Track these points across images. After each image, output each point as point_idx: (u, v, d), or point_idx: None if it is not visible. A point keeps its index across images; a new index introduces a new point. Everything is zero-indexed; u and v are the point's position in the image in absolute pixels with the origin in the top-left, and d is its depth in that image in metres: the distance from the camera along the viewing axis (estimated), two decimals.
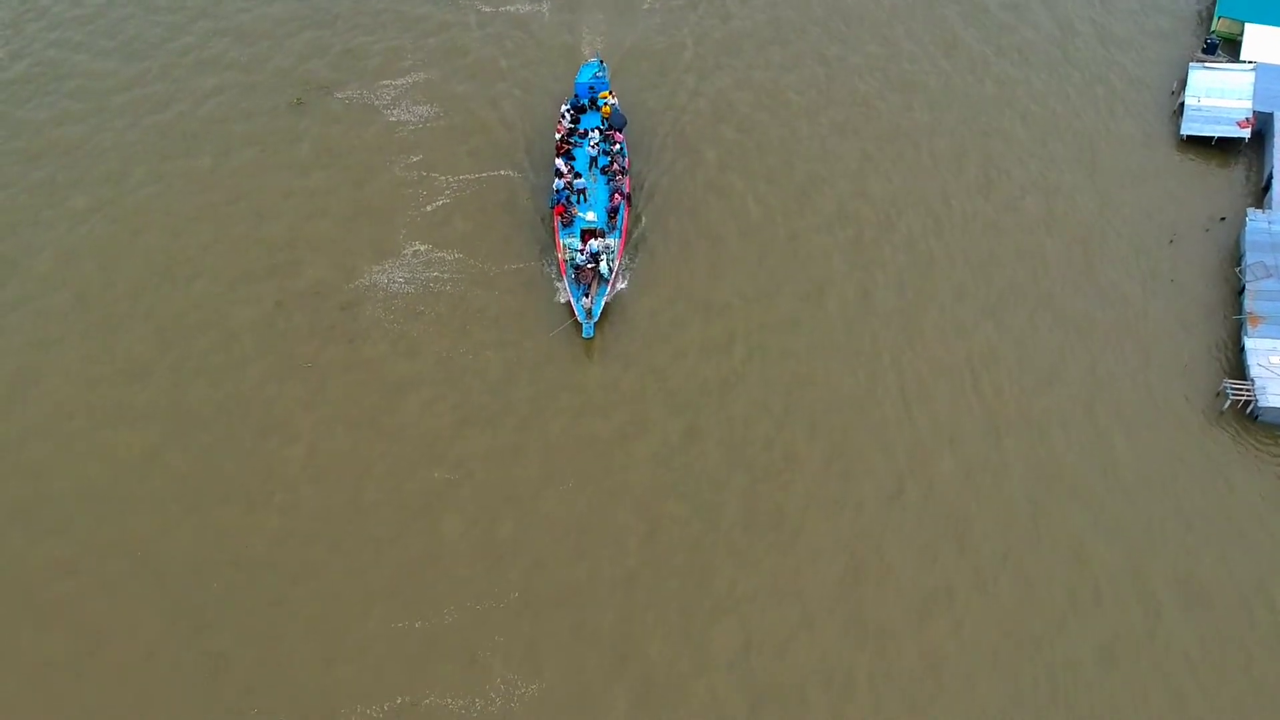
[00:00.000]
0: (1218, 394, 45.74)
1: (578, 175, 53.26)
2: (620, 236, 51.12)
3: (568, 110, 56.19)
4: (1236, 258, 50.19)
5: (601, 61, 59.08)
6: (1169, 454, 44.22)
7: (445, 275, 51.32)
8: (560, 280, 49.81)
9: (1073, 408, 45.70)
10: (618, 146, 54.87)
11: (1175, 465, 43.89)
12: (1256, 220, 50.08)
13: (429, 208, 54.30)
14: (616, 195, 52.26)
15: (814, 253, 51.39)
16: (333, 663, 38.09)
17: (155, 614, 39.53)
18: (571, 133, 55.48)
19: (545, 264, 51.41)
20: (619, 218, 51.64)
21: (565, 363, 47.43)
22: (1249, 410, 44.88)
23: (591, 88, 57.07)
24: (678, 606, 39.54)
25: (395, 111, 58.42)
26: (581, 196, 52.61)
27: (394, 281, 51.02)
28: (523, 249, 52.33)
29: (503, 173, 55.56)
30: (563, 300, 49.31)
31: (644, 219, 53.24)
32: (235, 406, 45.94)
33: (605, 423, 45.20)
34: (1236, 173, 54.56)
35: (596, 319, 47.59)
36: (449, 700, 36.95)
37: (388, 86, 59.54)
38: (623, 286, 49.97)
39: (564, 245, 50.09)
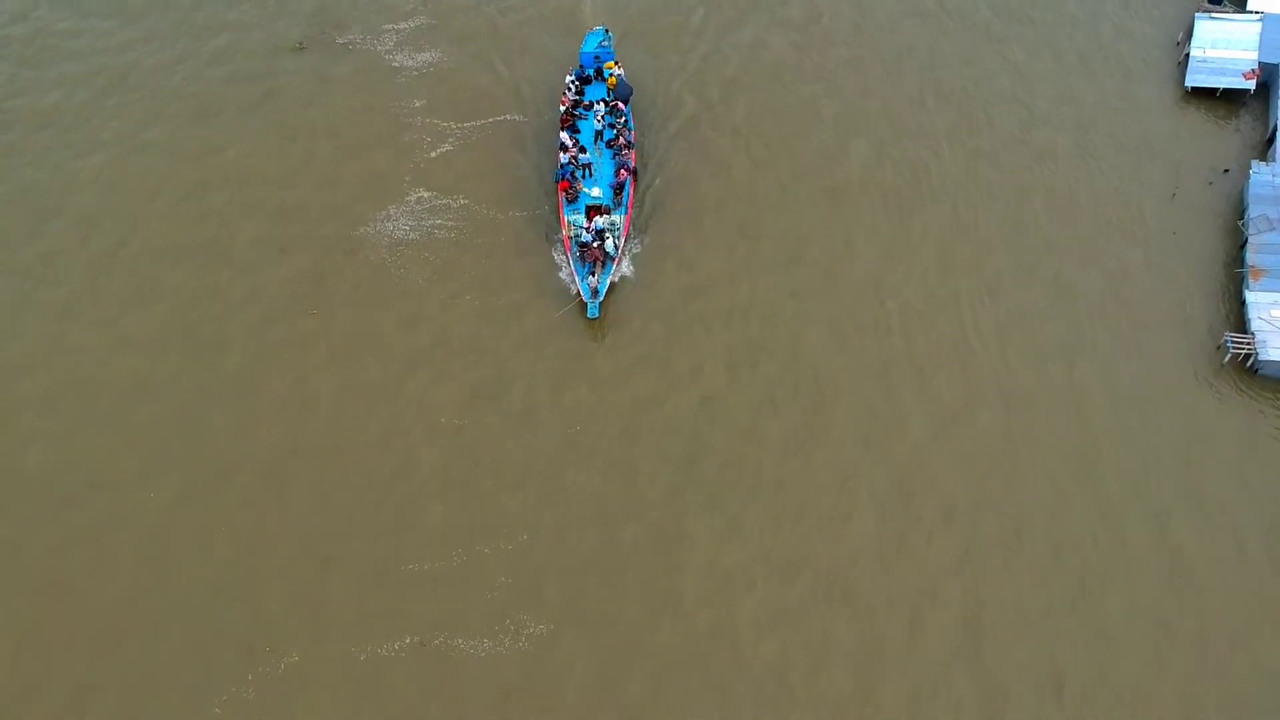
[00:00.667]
0: (1218, 347, 45.88)
1: (582, 149, 52.08)
2: (625, 213, 50.01)
3: (572, 81, 54.77)
4: (1239, 211, 50.19)
5: (607, 30, 57.28)
6: (1168, 407, 44.38)
7: (449, 222, 51.26)
8: (564, 256, 48.87)
9: (1072, 361, 45.81)
10: (623, 119, 53.57)
11: (1174, 418, 44.04)
12: (1260, 173, 50.05)
13: (433, 154, 54.13)
14: (622, 170, 51.14)
15: (827, 224, 50.67)
16: (343, 604, 38.57)
17: (162, 558, 40.01)
18: (576, 104, 54.07)
19: (548, 210, 51.34)
20: (624, 193, 50.54)
21: (572, 327, 47.45)
22: (1249, 364, 45.07)
23: (597, 57, 55.55)
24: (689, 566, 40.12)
25: (398, 57, 58.07)
26: (586, 171, 51.50)
27: (398, 228, 50.96)
28: (526, 195, 52.20)
29: (507, 118, 55.35)
30: (565, 275, 48.52)
31: (650, 194, 52.13)
32: (240, 355, 46.01)
33: (611, 365, 45.56)
34: (1241, 125, 54.42)
35: (602, 298, 46.70)
36: (459, 640, 37.52)
37: (390, 32, 59.09)
38: (628, 270, 48.80)
39: (569, 222, 49.00)
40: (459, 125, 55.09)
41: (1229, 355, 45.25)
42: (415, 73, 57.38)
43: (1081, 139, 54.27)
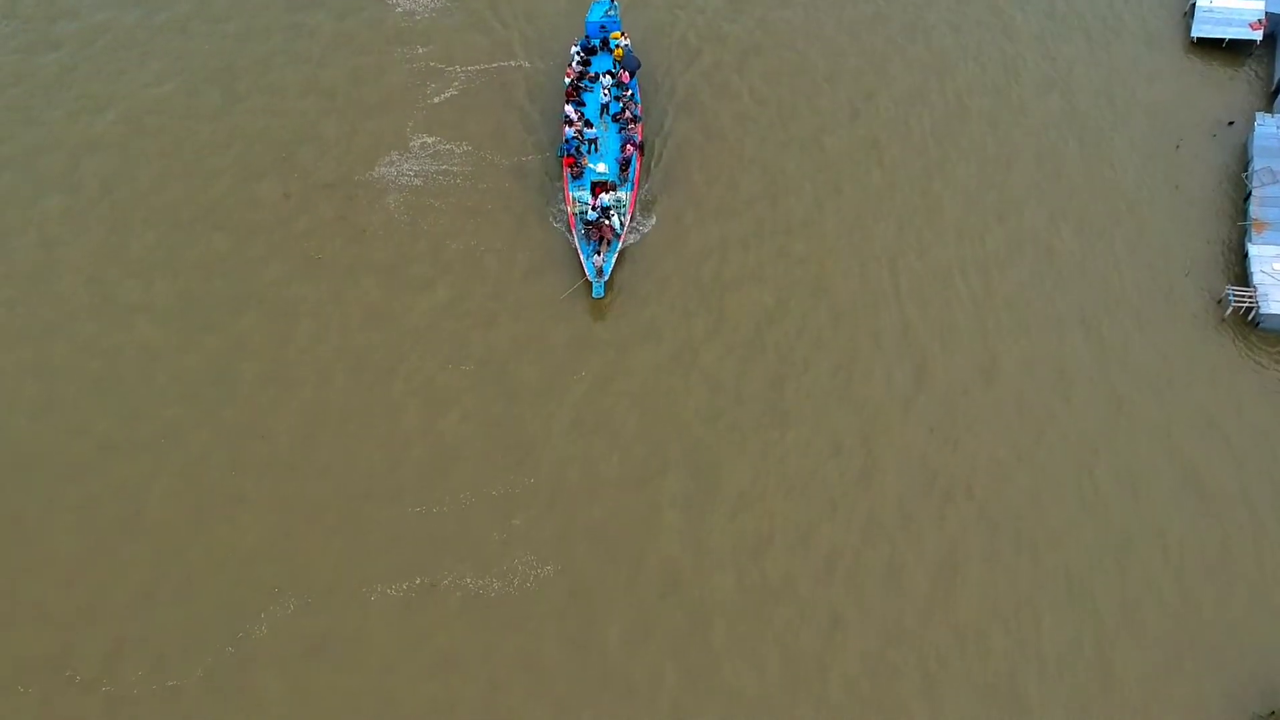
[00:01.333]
0: (1219, 300, 46.10)
1: (588, 124, 50.74)
2: (632, 189, 48.76)
3: (578, 52, 53.19)
4: (1244, 163, 50.22)
5: (613, 1, 55.19)
6: (1168, 359, 44.66)
7: (454, 168, 51.17)
8: (569, 234, 47.77)
9: (1072, 312, 45.98)
10: (630, 92, 52.07)
11: (1174, 370, 44.33)
12: (1265, 125, 49.99)
13: (437, 100, 53.86)
14: (628, 145, 49.64)
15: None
16: (353, 545, 39.06)
17: (176, 508, 40.39)
18: (582, 76, 52.56)
19: (552, 157, 51.18)
20: (630, 169, 49.23)
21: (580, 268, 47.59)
22: (1250, 317, 45.31)
23: (603, 27, 53.95)
24: (696, 500, 40.57)
25: (403, 3, 57.49)
26: (592, 146, 50.22)
27: (403, 174, 50.86)
28: (531, 141, 52.03)
29: (512, 64, 54.98)
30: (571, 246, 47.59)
31: (656, 169, 50.98)
32: (245, 298, 46.15)
33: (618, 326, 45.75)
34: (1246, 76, 54.24)
35: (607, 277, 45.79)
36: (467, 580, 38.10)
37: None
38: (634, 240, 47.91)
39: (574, 199, 47.57)
40: (463, 69, 54.73)
41: (1230, 308, 45.44)
42: (420, 19, 56.78)
43: (1085, 90, 54.06)
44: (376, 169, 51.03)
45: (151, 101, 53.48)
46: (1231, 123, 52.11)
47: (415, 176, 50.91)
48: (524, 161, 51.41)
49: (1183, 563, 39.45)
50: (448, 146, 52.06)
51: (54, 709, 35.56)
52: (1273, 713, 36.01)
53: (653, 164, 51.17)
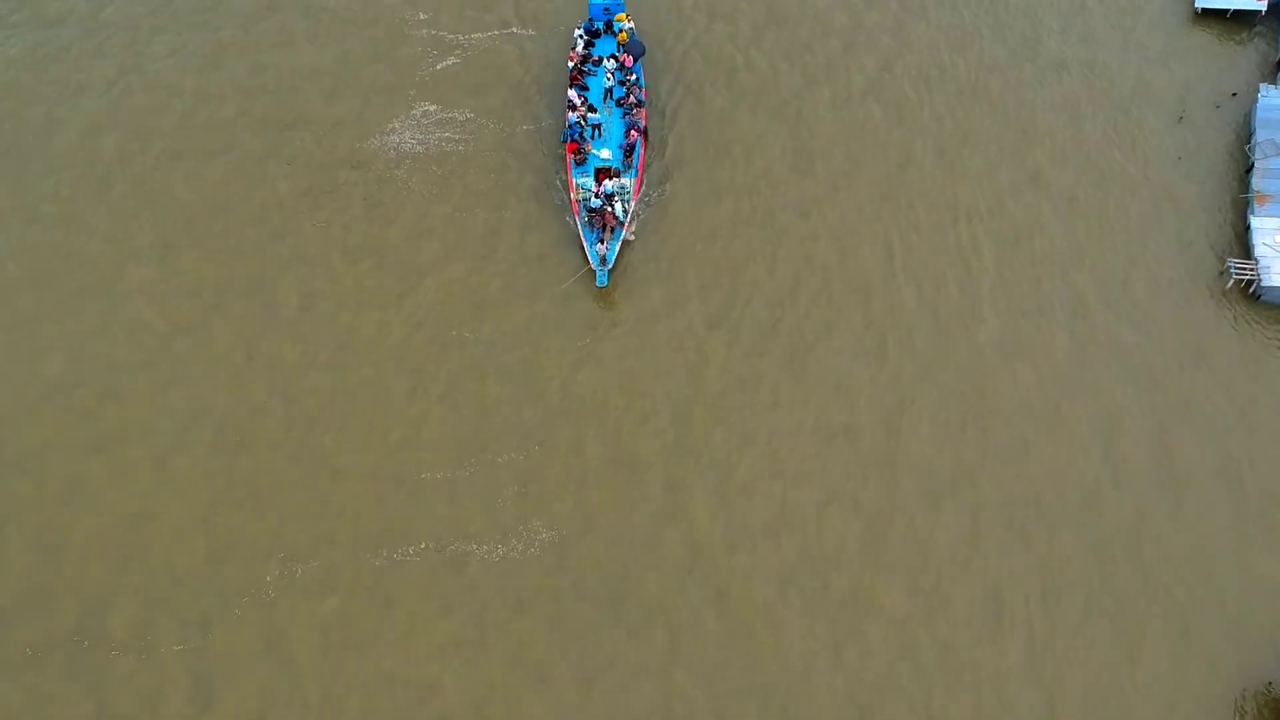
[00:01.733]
0: (1221, 273, 46.02)
1: (592, 109, 50.10)
2: (636, 175, 48.17)
3: (581, 36, 52.51)
4: (1246, 135, 50.12)
5: None
6: (1169, 332, 44.57)
7: (456, 136, 51.06)
8: (573, 220, 47.16)
9: (1070, 284, 45.91)
10: (634, 76, 51.34)
11: (1174, 343, 44.25)
12: (1269, 96, 49.84)
13: (439, 67, 53.69)
14: (632, 131, 48.89)
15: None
16: (358, 513, 39.27)
17: (176, 468, 40.69)
18: (585, 59, 51.93)
19: (553, 125, 51.16)
20: (635, 155, 48.68)
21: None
22: (1252, 290, 45.27)
23: (606, 9, 53.26)
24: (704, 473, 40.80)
25: None
26: (595, 132, 49.69)
27: (405, 142, 50.75)
28: (534, 109, 51.92)
29: (513, 31, 54.75)
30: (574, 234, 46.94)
31: (661, 155, 50.31)
32: (249, 268, 46.24)
33: (623, 301, 45.77)
34: (1251, 47, 54.01)
35: (610, 266, 45.20)
36: (473, 546, 38.32)
37: None
38: (634, 230, 47.27)
39: (577, 185, 47.02)
40: (465, 38, 54.54)
41: (1231, 281, 45.36)
42: None
43: (1088, 59, 53.90)
44: (378, 137, 50.91)
45: (147, 57, 53.48)
46: (1235, 94, 51.97)
47: (418, 144, 50.79)
48: (526, 129, 51.29)
49: (1176, 537, 39.40)
50: (450, 114, 51.93)
51: (64, 674, 35.85)
52: (1269, 683, 36.24)
53: (666, 134, 50.73)
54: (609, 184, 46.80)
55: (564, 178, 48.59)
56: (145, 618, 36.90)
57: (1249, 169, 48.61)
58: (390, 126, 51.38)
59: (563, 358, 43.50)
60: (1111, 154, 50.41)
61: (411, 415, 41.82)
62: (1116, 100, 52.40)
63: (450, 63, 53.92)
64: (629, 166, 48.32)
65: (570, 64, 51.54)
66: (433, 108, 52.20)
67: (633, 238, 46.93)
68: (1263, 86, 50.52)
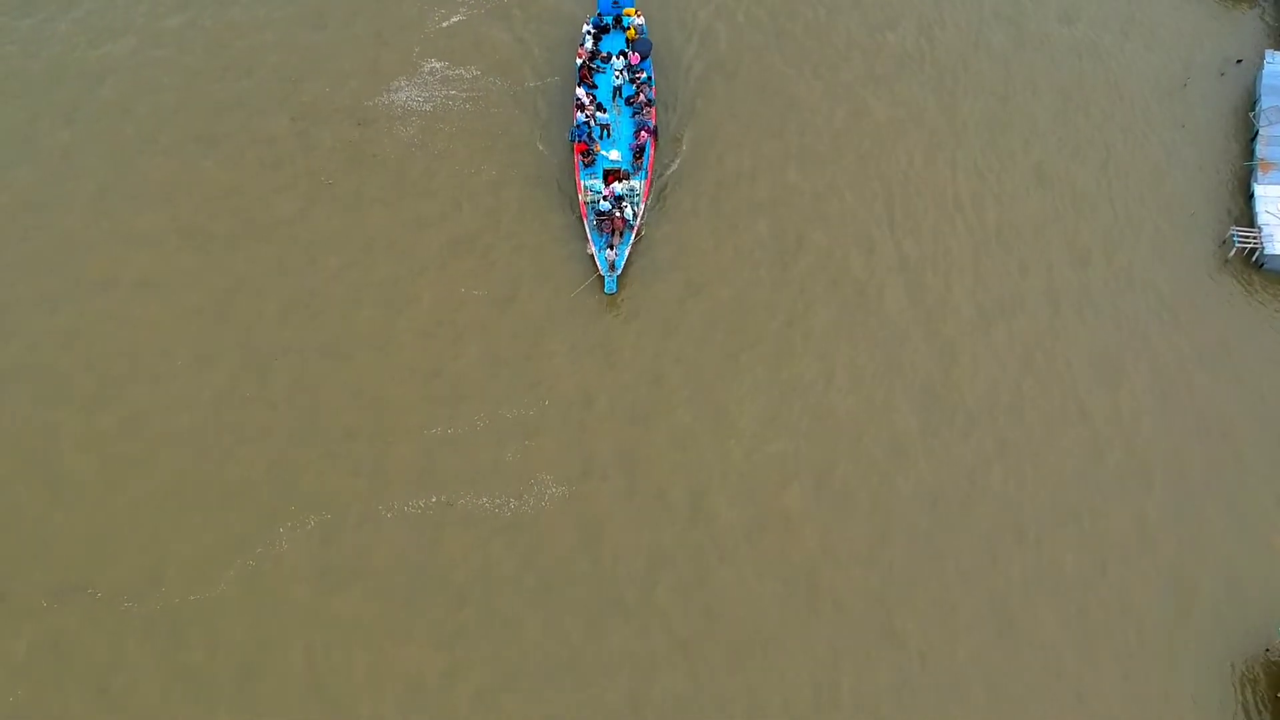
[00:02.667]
0: (1224, 241, 46.07)
1: (600, 108, 48.38)
2: (645, 177, 46.53)
3: (589, 32, 50.79)
4: (1251, 102, 50.16)
5: None
6: (1170, 300, 44.55)
7: (463, 93, 50.93)
8: (581, 222, 45.66)
9: (1071, 250, 45.92)
10: (644, 74, 49.57)
11: (1175, 311, 44.19)
12: (1274, 63, 49.84)
13: (444, 24, 53.45)
14: (642, 132, 47.27)
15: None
16: (368, 468, 39.54)
17: (189, 427, 40.89)
18: (594, 56, 50.18)
19: (557, 82, 51.05)
20: (644, 156, 46.95)
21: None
22: (1254, 258, 45.33)
23: (616, 3, 51.66)
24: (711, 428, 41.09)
25: None
26: (604, 132, 48.04)
27: (411, 99, 50.59)
28: (542, 65, 51.80)
29: None
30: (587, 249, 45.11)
31: (670, 156, 48.68)
32: (256, 223, 46.31)
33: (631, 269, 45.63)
34: (1256, 12, 53.93)
35: (620, 271, 43.84)
36: (483, 499, 38.63)
37: None
38: (644, 232, 45.77)
39: (585, 188, 45.58)
40: None
41: (1234, 249, 45.41)
42: None
43: (1090, 25, 53.77)
44: (385, 94, 50.74)
45: (162, 31, 53.17)
46: (1240, 60, 51.99)
47: (424, 102, 50.66)
48: (531, 87, 51.18)
49: (1181, 502, 39.66)
50: (456, 72, 51.77)
51: (75, 625, 36.17)
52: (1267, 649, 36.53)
53: (677, 132, 49.43)
54: (618, 186, 45.58)
55: (571, 180, 47.37)
56: (157, 568, 37.22)
57: (1253, 136, 48.66)
58: (396, 83, 51.20)
59: (567, 316, 43.64)
60: (1114, 121, 50.42)
61: (412, 373, 41.98)
62: (1119, 66, 52.31)
63: (456, 20, 53.65)
64: (639, 168, 46.79)
65: (579, 60, 49.88)
66: (439, 64, 52.01)
67: (642, 239, 45.71)
68: (1268, 53, 50.57)
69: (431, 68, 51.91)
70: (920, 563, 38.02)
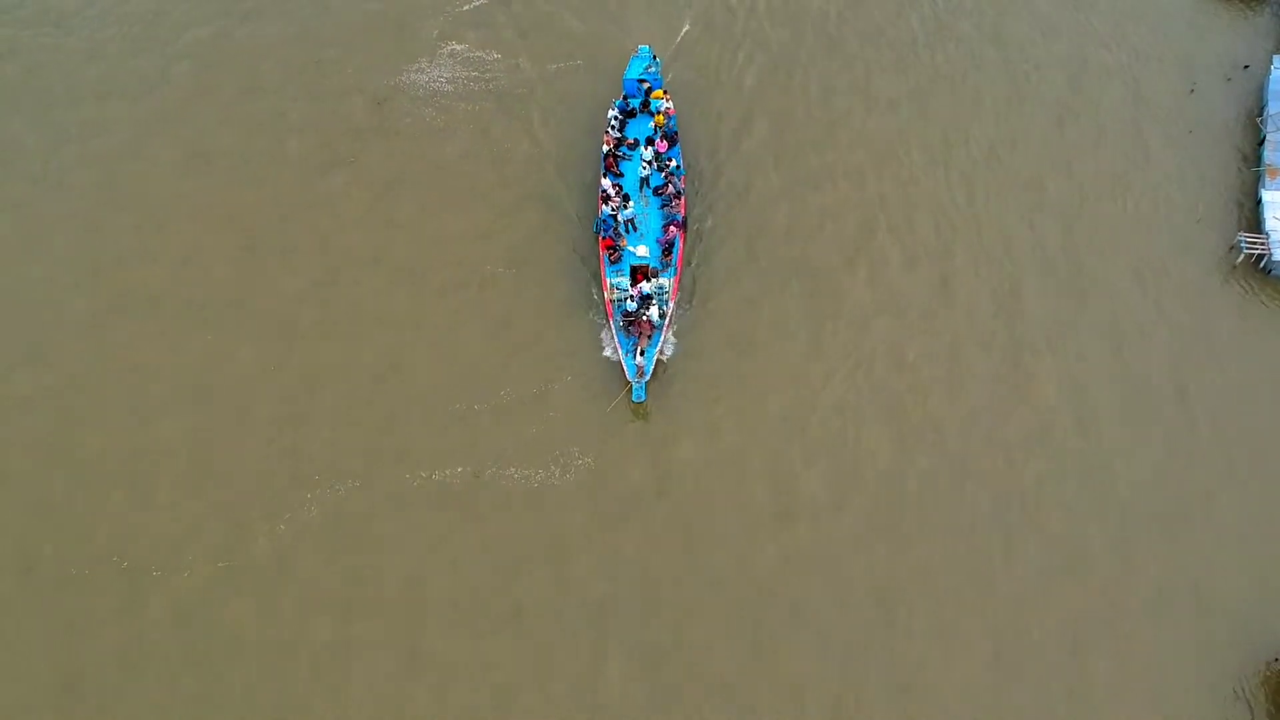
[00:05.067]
0: (1231, 248, 46.03)
1: (627, 199, 45.28)
2: (674, 274, 43.55)
3: (615, 116, 47.84)
4: (1259, 107, 50.58)
5: (655, 55, 50.35)
6: (1176, 307, 44.52)
7: (484, 75, 51.47)
8: (606, 322, 42.83)
9: (1081, 258, 45.84)
10: (673, 163, 46.57)
11: (1182, 318, 44.20)
12: None
13: (466, 7, 53.88)
14: (671, 226, 44.51)
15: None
16: (395, 441, 39.89)
17: (224, 408, 41.09)
18: (619, 143, 47.35)
19: (582, 64, 51.48)
20: (673, 252, 44.00)
21: None
22: (1262, 264, 45.25)
23: (643, 81, 48.61)
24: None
25: None
26: (630, 225, 45.15)
27: (434, 80, 51.26)
28: (563, 48, 52.16)
29: None
30: (609, 353, 42.51)
31: (700, 251, 45.70)
32: (279, 199, 46.75)
33: None
34: (1263, 18, 54.45)
35: (648, 377, 40.84)
36: (511, 470, 39.08)
37: None
38: (672, 348, 42.72)
39: (611, 285, 42.48)
40: None
41: (1241, 256, 45.22)
42: None
43: (1098, 33, 54.19)
44: (407, 75, 51.29)
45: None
46: (1247, 66, 52.38)
47: (446, 82, 51.18)
48: (553, 70, 51.62)
49: (1188, 507, 39.63)
50: (478, 54, 52.24)
51: (106, 593, 36.41)
52: (1277, 659, 36.51)
53: (706, 224, 46.42)
54: (646, 285, 42.67)
55: (598, 281, 44.46)
56: (185, 536, 37.54)
57: (1260, 142, 49.01)
58: (417, 65, 51.75)
59: (588, 288, 43.96)
60: (1122, 127, 50.70)
61: (436, 348, 42.38)
62: (1127, 72, 52.69)
63: (479, 2, 54.04)
64: (667, 265, 43.89)
65: (604, 147, 47.08)
66: (460, 46, 52.57)
67: (673, 341, 42.85)
68: (1275, 58, 51.02)
69: (453, 49, 52.66)
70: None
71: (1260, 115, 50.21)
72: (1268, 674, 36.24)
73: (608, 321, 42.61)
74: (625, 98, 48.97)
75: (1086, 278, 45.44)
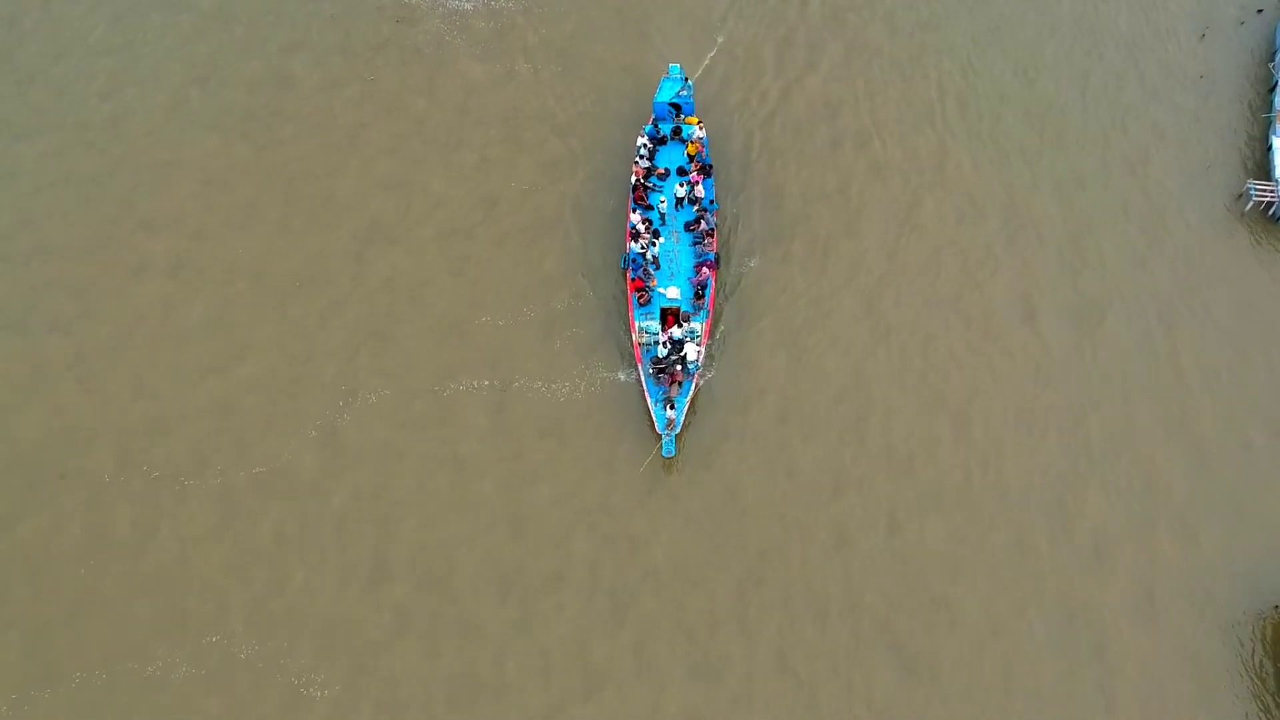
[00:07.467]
0: (1240, 195, 46.00)
1: (657, 235, 42.52)
2: (706, 318, 40.73)
3: (645, 144, 44.44)
4: (1270, 53, 50.26)
5: (686, 78, 46.48)
6: (1186, 253, 44.20)
7: None
8: (635, 367, 40.08)
9: (1089, 205, 45.67)
10: (705, 196, 43.50)
11: (1191, 264, 43.79)
12: None
13: None
14: (704, 267, 41.64)
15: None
16: (422, 354, 40.45)
17: (255, 325, 41.43)
18: (649, 173, 44.19)
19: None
20: (705, 294, 41.11)
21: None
22: (1271, 212, 45.00)
23: (674, 105, 45.27)
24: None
25: None
26: (657, 263, 42.22)
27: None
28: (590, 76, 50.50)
29: None
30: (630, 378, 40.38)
31: (732, 293, 42.76)
32: (301, 119, 46.83)
33: None
34: None
35: (679, 429, 38.07)
36: (538, 383, 39.71)
37: None
38: (705, 379, 40.25)
39: (640, 328, 39.83)
40: None
41: (1250, 203, 45.04)
42: None
43: None
44: None
45: None
46: (1260, 10, 51.88)
47: (465, 1, 50.76)
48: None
49: (1198, 459, 39.46)
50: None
51: (136, 501, 36.91)
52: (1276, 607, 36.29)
53: (727, 286, 43.17)
54: (677, 331, 39.85)
55: (625, 322, 41.47)
56: (214, 446, 38.06)
57: (1272, 88, 48.77)
58: None
59: (606, 216, 44.16)
60: (1131, 73, 50.28)
61: (463, 260, 42.89)
62: (1137, 16, 52.10)
63: None
64: (699, 308, 41.01)
65: (633, 178, 43.80)
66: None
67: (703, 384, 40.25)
68: None
69: None
70: None
71: (1272, 60, 49.84)
72: (1275, 620, 36.14)
73: (636, 367, 39.93)
74: (655, 122, 45.69)
75: (1090, 220, 45.43)
